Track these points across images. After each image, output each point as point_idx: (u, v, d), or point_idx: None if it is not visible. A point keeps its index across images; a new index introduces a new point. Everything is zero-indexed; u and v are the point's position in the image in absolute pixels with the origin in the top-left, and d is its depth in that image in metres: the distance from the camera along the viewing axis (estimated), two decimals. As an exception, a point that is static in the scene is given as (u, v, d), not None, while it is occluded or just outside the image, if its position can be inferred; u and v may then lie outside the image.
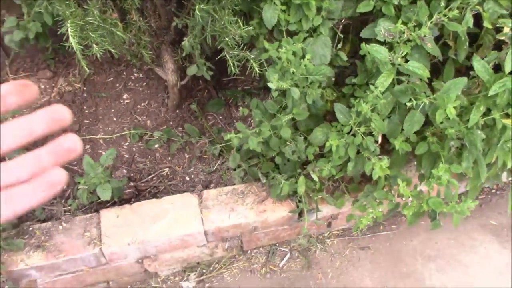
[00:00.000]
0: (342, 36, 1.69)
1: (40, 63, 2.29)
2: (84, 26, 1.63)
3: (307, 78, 1.50)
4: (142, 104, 2.24)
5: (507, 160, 1.63)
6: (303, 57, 1.50)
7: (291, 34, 1.61)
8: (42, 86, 2.26)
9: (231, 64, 1.57)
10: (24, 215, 1.88)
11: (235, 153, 1.79)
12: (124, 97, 2.26)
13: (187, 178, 2.09)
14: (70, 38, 1.58)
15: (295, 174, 1.82)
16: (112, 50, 1.67)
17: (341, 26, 1.66)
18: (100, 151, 2.12)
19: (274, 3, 1.54)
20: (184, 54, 1.94)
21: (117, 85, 2.28)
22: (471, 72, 1.54)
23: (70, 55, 2.31)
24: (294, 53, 1.51)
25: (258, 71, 1.56)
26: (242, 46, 1.67)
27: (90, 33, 1.63)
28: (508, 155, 1.61)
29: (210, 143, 2.13)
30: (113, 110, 2.23)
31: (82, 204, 1.92)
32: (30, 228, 1.82)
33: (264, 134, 1.63)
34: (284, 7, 1.56)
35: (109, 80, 2.29)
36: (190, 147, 2.15)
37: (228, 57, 1.57)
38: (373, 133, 1.58)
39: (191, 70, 1.95)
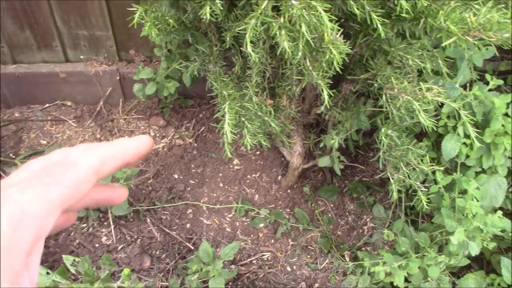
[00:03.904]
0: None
1: (154, 108, 2.17)
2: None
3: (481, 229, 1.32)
4: (253, 175, 2.09)
5: None
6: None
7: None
8: (152, 134, 2.14)
9: (394, 190, 1.40)
10: None
11: (366, 276, 1.62)
12: (235, 162, 2.12)
13: (289, 269, 1.92)
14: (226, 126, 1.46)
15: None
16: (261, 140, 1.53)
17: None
18: (202, 218, 1.98)
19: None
20: (321, 145, 1.80)
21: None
22: None
23: (187, 106, 2.19)
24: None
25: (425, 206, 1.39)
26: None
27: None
28: None
29: (319, 233, 1.97)
30: (220, 175, 2.09)
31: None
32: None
33: (411, 270, 1.46)
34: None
35: (221, 140, 2.16)
36: (295, 233, 1.99)
37: (392, 180, 1.41)
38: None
39: (323, 162, 1.80)
